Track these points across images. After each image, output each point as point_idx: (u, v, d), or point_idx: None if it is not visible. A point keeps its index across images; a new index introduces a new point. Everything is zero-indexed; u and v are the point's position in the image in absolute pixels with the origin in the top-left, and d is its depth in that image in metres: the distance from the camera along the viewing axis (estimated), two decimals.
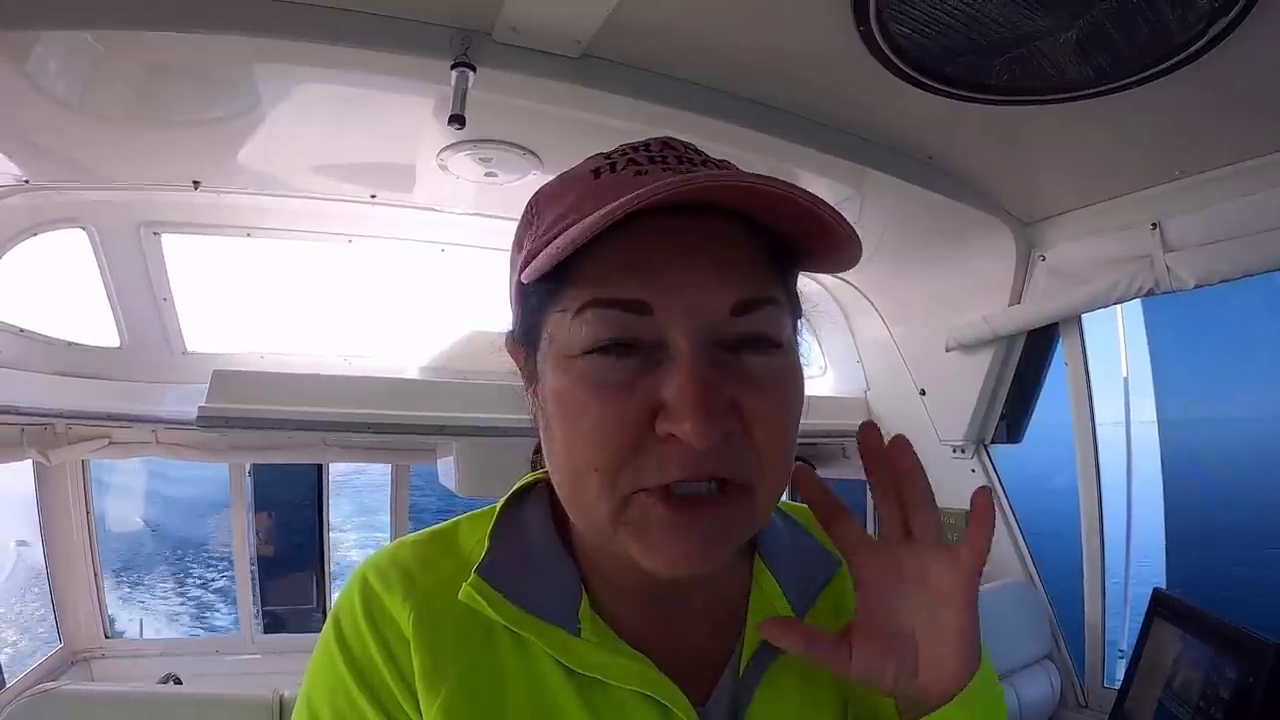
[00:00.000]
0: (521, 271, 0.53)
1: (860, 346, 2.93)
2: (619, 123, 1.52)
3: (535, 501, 0.64)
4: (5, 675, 2.36)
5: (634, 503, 0.49)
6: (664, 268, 0.49)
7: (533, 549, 0.61)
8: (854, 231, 0.50)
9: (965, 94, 1.49)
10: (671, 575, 0.50)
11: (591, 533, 0.55)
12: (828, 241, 0.51)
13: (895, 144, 1.79)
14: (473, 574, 0.56)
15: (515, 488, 0.66)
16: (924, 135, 1.75)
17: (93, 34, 1.25)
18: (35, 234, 2.07)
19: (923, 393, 2.62)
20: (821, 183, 1.93)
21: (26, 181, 1.87)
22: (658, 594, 0.58)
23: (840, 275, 2.71)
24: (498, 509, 0.64)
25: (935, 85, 1.46)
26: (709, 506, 0.49)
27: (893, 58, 1.37)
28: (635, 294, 0.48)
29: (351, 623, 0.57)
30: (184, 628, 7.74)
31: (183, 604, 8.58)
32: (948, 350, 2.43)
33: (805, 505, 0.77)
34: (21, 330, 2.15)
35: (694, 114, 1.52)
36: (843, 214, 0.49)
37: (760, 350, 0.50)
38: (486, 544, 0.60)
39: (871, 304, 2.77)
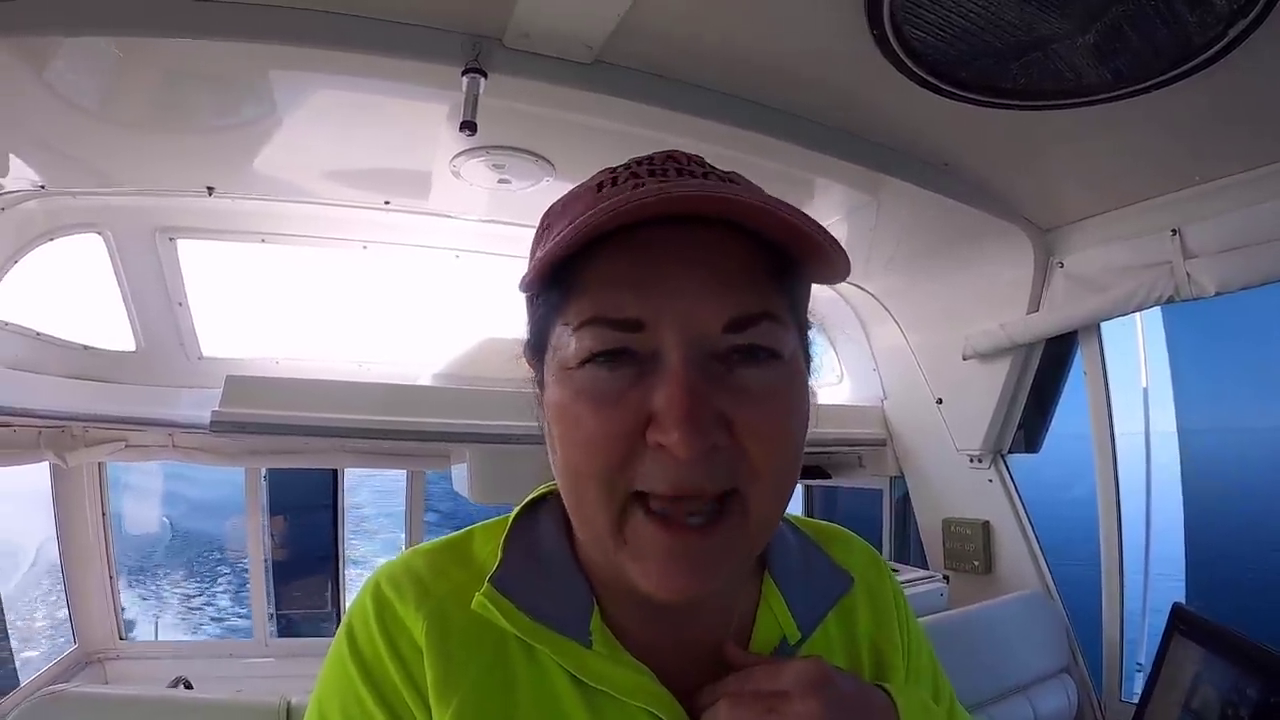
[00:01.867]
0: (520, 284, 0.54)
1: (877, 355, 2.90)
2: (632, 129, 1.51)
3: (548, 512, 0.64)
4: (19, 675, 2.38)
5: (631, 517, 0.49)
6: (658, 282, 0.49)
7: (545, 560, 0.60)
8: (835, 241, 0.50)
9: (982, 99, 1.47)
10: (668, 601, 0.50)
11: (595, 546, 0.54)
12: (813, 251, 0.50)
13: (911, 150, 1.77)
14: (486, 584, 0.56)
15: (528, 498, 0.66)
16: (940, 141, 1.73)
17: (113, 40, 1.26)
18: (52, 238, 2.09)
19: (940, 401, 2.60)
20: (837, 189, 1.92)
21: (43, 187, 1.89)
22: (666, 607, 0.58)
23: (857, 283, 2.70)
24: (511, 519, 0.64)
25: (951, 90, 1.44)
26: (702, 533, 0.49)
27: (908, 62, 1.35)
28: (629, 312, 0.48)
29: (364, 629, 0.57)
30: (200, 630, 7.80)
31: (198, 606, 8.64)
32: (965, 359, 2.40)
33: (823, 522, 0.76)
34: (39, 334, 2.17)
35: (707, 120, 1.51)
36: (839, 224, 0.49)
37: (756, 362, 0.50)
38: (499, 554, 0.60)
39: (888, 312, 2.75)
